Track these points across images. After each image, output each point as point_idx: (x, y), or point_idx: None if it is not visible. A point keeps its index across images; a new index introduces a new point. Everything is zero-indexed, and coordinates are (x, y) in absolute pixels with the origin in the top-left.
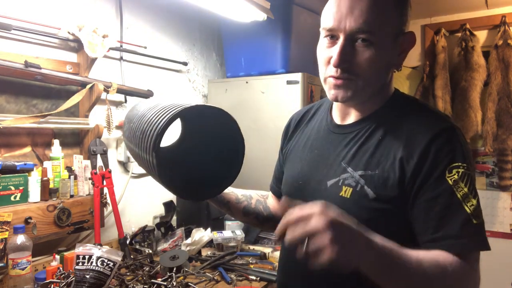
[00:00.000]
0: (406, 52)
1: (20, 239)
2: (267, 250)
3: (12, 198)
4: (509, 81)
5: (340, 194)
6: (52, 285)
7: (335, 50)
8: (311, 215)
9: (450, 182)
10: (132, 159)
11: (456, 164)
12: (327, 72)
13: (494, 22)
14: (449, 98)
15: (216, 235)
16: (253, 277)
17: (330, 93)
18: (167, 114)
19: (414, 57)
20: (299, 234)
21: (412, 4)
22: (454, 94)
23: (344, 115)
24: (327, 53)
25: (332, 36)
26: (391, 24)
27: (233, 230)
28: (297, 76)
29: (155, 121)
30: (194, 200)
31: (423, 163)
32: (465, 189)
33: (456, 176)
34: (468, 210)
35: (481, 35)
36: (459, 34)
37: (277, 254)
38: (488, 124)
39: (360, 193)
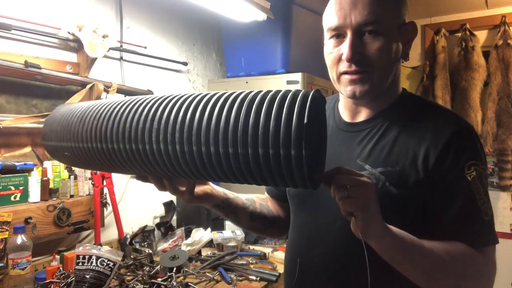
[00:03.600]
0: (411, 41)
1: (20, 239)
2: (267, 250)
3: (12, 198)
4: (509, 81)
5: None
6: (52, 285)
7: (345, 46)
8: (361, 182)
9: (469, 179)
10: None
11: (474, 161)
12: (340, 68)
13: (494, 22)
14: (449, 98)
15: (216, 235)
16: (253, 277)
17: (346, 90)
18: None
19: (414, 57)
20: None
21: (412, 4)
22: (454, 94)
23: (354, 114)
24: (336, 52)
25: (338, 35)
26: (394, 15)
27: (233, 230)
28: (297, 76)
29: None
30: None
31: (444, 159)
32: (480, 187)
33: (474, 173)
34: (481, 208)
35: (481, 35)
36: (459, 34)
37: (277, 254)
38: (488, 124)
39: (382, 191)
